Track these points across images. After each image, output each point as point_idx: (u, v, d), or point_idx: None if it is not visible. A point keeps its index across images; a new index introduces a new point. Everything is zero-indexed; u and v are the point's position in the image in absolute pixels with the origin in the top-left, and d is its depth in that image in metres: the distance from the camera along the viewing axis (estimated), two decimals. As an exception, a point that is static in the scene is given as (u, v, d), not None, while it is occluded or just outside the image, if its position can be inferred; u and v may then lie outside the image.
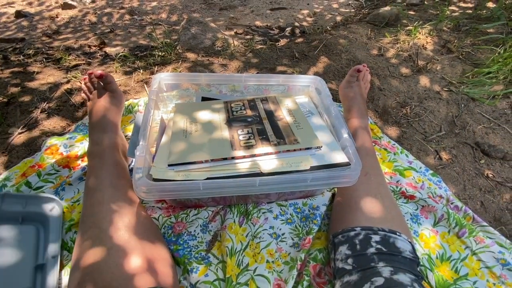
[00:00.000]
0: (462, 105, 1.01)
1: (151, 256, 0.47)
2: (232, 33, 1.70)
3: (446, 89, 1.08)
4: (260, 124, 0.61)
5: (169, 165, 0.51)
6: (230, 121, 0.62)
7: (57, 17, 1.99)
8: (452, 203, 0.70)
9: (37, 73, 1.07)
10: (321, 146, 0.56)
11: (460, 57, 1.23)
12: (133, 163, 0.70)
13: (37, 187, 0.65)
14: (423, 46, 1.28)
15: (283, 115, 0.64)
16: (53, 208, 0.57)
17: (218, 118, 0.63)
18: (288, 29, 1.67)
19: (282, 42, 1.45)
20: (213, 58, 1.21)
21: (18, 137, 0.81)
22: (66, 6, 2.11)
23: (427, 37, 1.34)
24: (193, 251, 0.56)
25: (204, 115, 0.64)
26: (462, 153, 0.87)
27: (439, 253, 0.62)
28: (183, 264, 0.54)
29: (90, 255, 0.44)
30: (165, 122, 0.67)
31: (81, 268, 0.43)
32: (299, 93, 0.76)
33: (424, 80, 1.11)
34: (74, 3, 2.13)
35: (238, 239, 0.58)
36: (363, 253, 0.49)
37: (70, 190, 0.65)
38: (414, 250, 0.51)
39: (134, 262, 0.44)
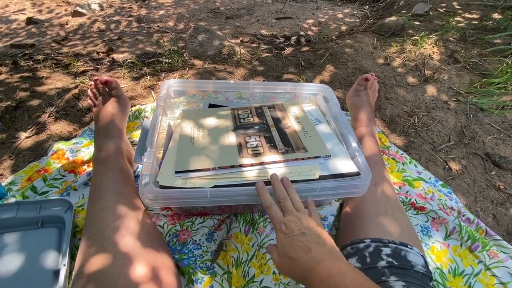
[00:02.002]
0: (471, 115, 1.00)
1: (155, 264, 0.46)
2: (238, 41, 1.71)
3: (454, 99, 1.07)
4: (268, 131, 0.60)
5: (176, 172, 0.51)
6: (237, 128, 0.61)
7: (66, 24, 2.03)
8: (463, 216, 0.68)
9: (46, 78, 1.08)
10: (330, 155, 0.55)
11: (467, 67, 1.22)
12: (138, 169, 0.70)
13: (43, 192, 0.64)
14: (429, 56, 1.28)
15: (291, 122, 0.63)
16: (67, 209, 0.57)
17: (225, 124, 0.63)
18: (294, 38, 1.68)
19: (288, 50, 1.46)
20: (220, 66, 1.22)
21: (25, 141, 0.81)
22: (76, 14, 2.16)
23: (433, 47, 1.34)
24: (198, 261, 0.55)
25: (211, 121, 0.64)
26: (472, 164, 0.85)
27: (451, 267, 0.60)
28: (188, 274, 0.53)
29: (93, 263, 0.43)
30: (172, 128, 0.67)
31: (84, 276, 0.42)
32: (306, 101, 0.75)
33: (431, 90, 1.10)
34: (83, 11, 2.18)
35: (244, 249, 0.56)
36: (374, 266, 0.47)
37: (75, 195, 0.64)
38: (426, 264, 0.49)
39: (138, 270, 0.43)
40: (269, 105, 0.70)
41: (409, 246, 0.49)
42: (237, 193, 0.47)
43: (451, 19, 1.57)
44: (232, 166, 0.52)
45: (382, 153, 0.82)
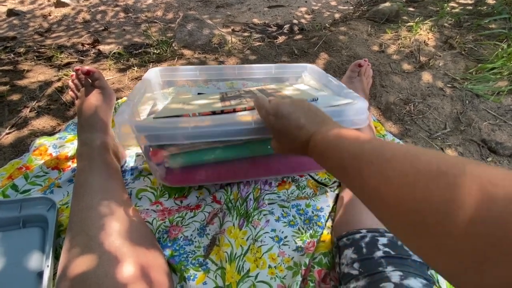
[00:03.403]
0: (467, 102, 0.99)
1: (145, 263, 0.43)
2: (229, 30, 1.66)
3: (449, 86, 1.05)
4: (254, 95, 0.58)
5: (154, 118, 0.48)
6: (224, 98, 0.59)
7: (49, 16, 1.95)
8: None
9: (27, 71, 1.03)
10: (317, 98, 0.53)
11: (463, 53, 1.20)
12: (126, 164, 0.67)
13: (24, 190, 0.61)
14: (424, 42, 1.26)
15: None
16: (50, 208, 0.54)
17: (212, 100, 0.60)
18: (287, 26, 1.63)
19: (281, 39, 1.42)
20: (210, 55, 1.18)
21: (6, 137, 0.77)
22: (59, 4, 2.07)
23: (428, 33, 1.31)
24: (190, 257, 0.53)
25: (199, 100, 0.61)
26: (469, 151, 0.84)
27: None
28: (180, 271, 0.51)
29: (78, 265, 0.40)
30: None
31: (68, 278, 0.40)
32: (295, 82, 0.74)
33: (427, 77, 1.08)
34: (67, 1, 2.09)
35: (238, 243, 0.55)
36: (370, 257, 0.46)
37: (59, 193, 0.61)
38: (424, 252, 0.48)
39: (126, 270, 0.40)
40: (260, 88, 0.67)
41: (406, 235, 0.48)
42: (221, 122, 0.45)
43: (446, 4, 1.54)
44: (214, 113, 0.49)
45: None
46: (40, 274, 0.48)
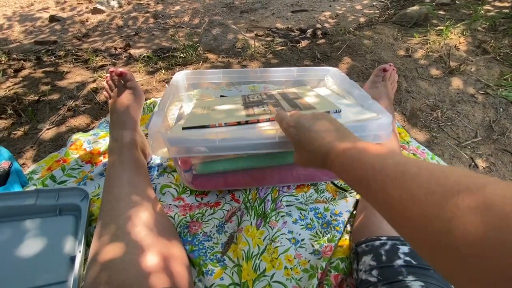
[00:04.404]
0: (501, 110, 0.93)
1: (167, 254, 0.46)
2: (253, 35, 1.69)
3: (482, 92, 1.00)
4: (277, 102, 0.60)
5: (183, 128, 0.50)
6: (247, 105, 0.61)
7: (87, 21, 2.10)
8: (490, 216, 0.63)
9: (67, 73, 1.12)
10: (340, 110, 0.53)
11: (498, 58, 1.14)
12: (152, 160, 0.70)
13: (61, 181, 0.66)
14: (455, 46, 1.21)
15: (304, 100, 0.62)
16: (83, 198, 0.59)
17: (235, 104, 0.62)
18: (310, 30, 1.64)
19: (303, 43, 1.43)
20: (233, 59, 1.21)
21: (46, 132, 0.84)
22: (95, 11, 2.22)
23: (459, 37, 1.26)
24: (209, 253, 0.54)
25: (221, 104, 0.64)
26: (502, 161, 0.80)
27: (476, 270, 0.56)
28: (198, 265, 0.53)
29: (107, 251, 0.43)
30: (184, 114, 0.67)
31: (98, 263, 0.43)
32: (317, 86, 0.74)
33: (457, 82, 1.04)
34: (103, 8, 2.24)
35: (255, 242, 0.56)
36: (390, 265, 0.45)
37: (91, 185, 0.66)
38: (448, 265, 0.46)
39: (150, 260, 0.43)
40: (281, 92, 0.68)
41: (429, 245, 0.46)
42: (246, 137, 0.47)
43: (480, 7, 1.47)
44: (239, 123, 0.51)
45: (401, 148, 0.78)
46: (72, 259, 0.52)
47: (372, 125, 0.50)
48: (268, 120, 0.52)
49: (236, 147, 0.48)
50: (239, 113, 0.57)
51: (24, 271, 0.50)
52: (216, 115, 0.57)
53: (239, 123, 0.51)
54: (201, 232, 0.57)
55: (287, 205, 0.62)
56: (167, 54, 1.34)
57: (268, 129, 0.50)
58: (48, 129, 0.85)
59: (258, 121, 0.52)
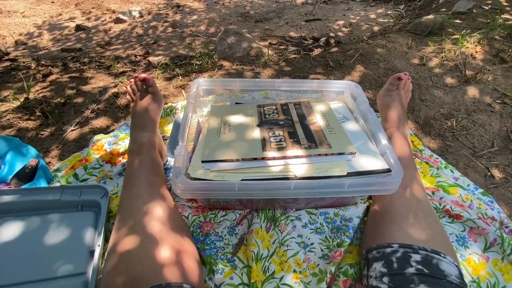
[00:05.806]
0: (519, 119, 0.91)
1: (180, 249, 0.48)
2: (266, 43, 1.73)
3: (499, 102, 0.98)
4: (292, 127, 0.60)
5: (202, 162, 0.53)
6: (262, 124, 0.62)
7: (110, 30, 2.21)
8: (507, 227, 0.62)
9: (90, 78, 1.19)
10: (355, 152, 0.53)
11: (517, 67, 1.11)
12: (168, 162, 0.73)
13: (83, 179, 0.70)
14: (471, 55, 1.19)
15: (316, 119, 0.63)
16: (103, 196, 0.62)
17: (251, 120, 0.64)
18: (323, 39, 1.66)
19: (316, 51, 1.45)
20: (247, 66, 1.24)
21: (71, 133, 0.89)
22: (118, 21, 2.34)
23: (476, 46, 1.24)
24: (220, 252, 0.56)
25: (237, 117, 0.65)
26: (520, 172, 0.77)
27: (490, 282, 0.54)
28: (209, 264, 0.54)
29: (124, 244, 0.46)
30: (201, 125, 0.70)
31: (115, 255, 0.46)
32: (333, 99, 0.74)
33: (473, 91, 1.02)
34: (125, 18, 2.36)
35: (265, 245, 0.57)
36: (401, 273, 0.45)
37: (110, 184, 0.69)
38: (461, 275, 0.45)
39: (164, 253, 0.45)
40: (295, 102, 0.70)
41: (442, 255, 0.46)
42: (264, 187, 0.48)
43: (498, 16, 1.44)
44: (255, 159, 0.52)
45: (414, 156, 0.77)
46: (91, 252, 0.55)
47: (382, 180, 0.50)
48: (284, 157, 0.53)
49: (252, 194, 0.50)
50: (254, 134, 0.59)
51: (47, 261, 0.53)
52: (232, 137, 0.59)
53: (255, 159, 0.54)
54: (213, 232, 0.59)
55: (296, 209, 0.63)
56: (184, 62, 1.39)
57: (284, 172, 0.51)
58: (72, 130, 0.90)
59: (274, 159, 0.53)
